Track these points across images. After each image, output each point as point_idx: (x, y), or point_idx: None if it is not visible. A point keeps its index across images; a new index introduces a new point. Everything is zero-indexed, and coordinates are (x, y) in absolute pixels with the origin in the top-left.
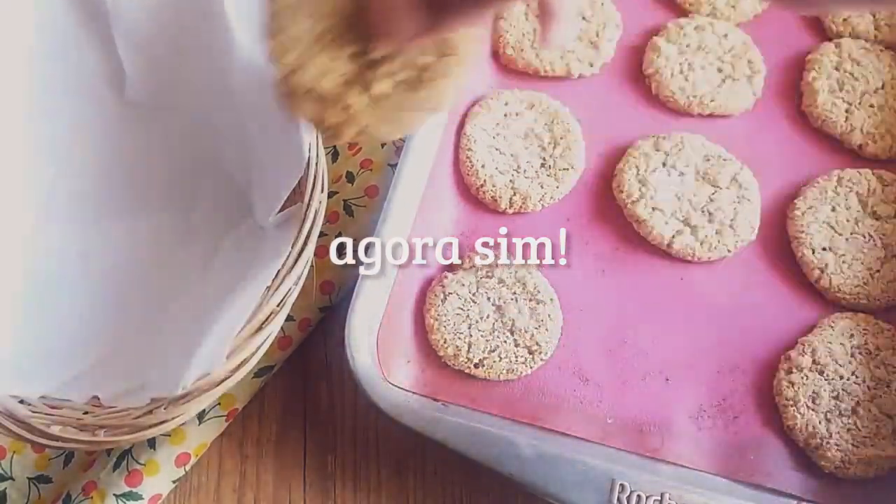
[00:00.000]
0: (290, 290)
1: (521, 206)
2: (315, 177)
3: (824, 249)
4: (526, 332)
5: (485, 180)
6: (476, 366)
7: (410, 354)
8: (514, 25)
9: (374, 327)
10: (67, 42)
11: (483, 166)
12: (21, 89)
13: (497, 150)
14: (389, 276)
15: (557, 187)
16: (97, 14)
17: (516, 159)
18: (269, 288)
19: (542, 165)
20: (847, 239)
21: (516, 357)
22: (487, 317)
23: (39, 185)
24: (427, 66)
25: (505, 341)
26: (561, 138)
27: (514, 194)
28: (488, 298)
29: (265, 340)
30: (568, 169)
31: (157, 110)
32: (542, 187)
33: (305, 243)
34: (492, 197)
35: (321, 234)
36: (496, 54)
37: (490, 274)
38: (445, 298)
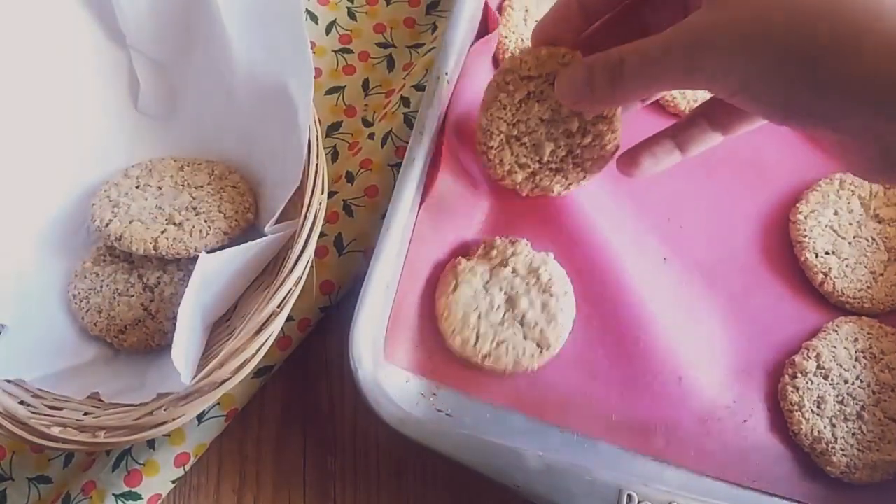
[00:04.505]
0: (290, 291)
1: (541, 193)
2: (315, 178)
3: (827, 253)
4: (536, 325)
5: (509, 168)
6: (483, 358)
7: (418, 342)
8: (514, 31)
9: (378, 335)
10: (91, 51)
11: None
12: (46, 97)
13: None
14: (395, 278)
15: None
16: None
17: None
18: (269, 289)
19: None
20: (850, 242)
21: (524, 351)
22: (498, 308)
23: (58, 184)
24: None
25: (514, 334)
26: None
27: (535, 186)
28: (500, 289)
29: (265, 342)
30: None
31: (168, 122)
32: (566, 178)
33: (305, 244)
34: (512, 181)
35: (321, 234)
36: (496, 60)
37: (504, 263)
38: (457, 287)
